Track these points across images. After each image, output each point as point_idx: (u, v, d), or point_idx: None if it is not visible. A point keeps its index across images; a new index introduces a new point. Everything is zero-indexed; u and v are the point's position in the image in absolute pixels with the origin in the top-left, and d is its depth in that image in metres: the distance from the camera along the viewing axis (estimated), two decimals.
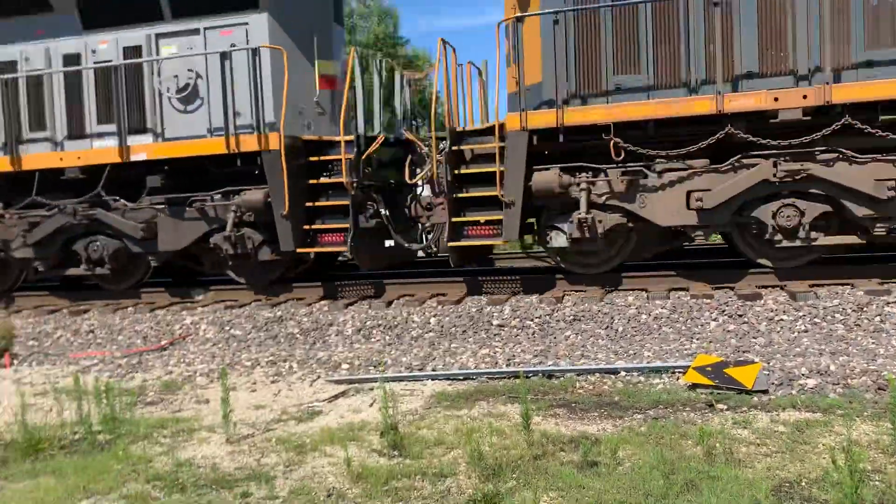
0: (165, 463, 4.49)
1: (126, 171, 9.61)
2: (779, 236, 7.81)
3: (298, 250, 9.10)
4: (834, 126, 7.39)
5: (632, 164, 7.94)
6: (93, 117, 9.64)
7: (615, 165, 7.98)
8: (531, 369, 6.11)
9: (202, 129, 9.25)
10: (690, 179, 7.88)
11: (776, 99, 7.49)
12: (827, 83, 7.31)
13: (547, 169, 8.14)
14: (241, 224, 9.25)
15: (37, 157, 9.82)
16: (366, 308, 8.57)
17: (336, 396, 5.92)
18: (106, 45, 9.68)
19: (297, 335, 8.15)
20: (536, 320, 7.62)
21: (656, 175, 7.92)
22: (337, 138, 8.95)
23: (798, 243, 7.77)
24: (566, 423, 4.81)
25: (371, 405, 5.55)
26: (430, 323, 7.94)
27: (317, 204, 9.21)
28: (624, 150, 7.81)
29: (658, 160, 7.89)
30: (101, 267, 9.83)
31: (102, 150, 9.56)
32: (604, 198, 8.05)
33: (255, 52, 8.92)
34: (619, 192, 8.03)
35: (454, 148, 8.50)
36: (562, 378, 5.89)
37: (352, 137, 8.88)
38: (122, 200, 9.56)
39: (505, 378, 6.05)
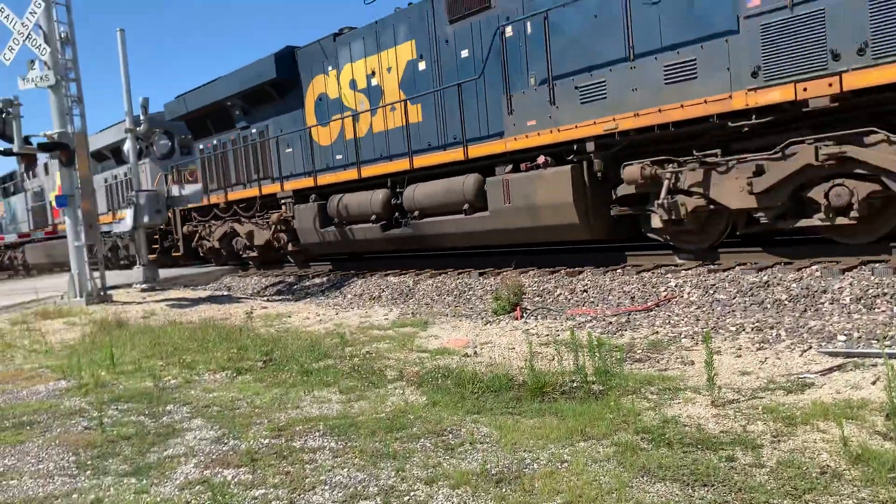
0: (652, 418, 4.73)
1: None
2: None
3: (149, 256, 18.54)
4: (232, 209, 17.87)
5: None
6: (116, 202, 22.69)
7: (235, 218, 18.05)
8: None
9: None
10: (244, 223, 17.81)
11: (218, 197, 18.10)
12: (226, 191, 17.89)
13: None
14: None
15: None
16: (867, 274, 7.64)
17: (830, 369, 5.45)
18: (118, 173, 22.94)
19: (786, 302, 7.69)
20: None
21: (247, 221, 17.57)
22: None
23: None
24: None
25: (874, 383, 4.98)
26: None
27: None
28: (226, 211, 18.28)
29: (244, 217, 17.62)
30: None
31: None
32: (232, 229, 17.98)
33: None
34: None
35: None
36: None
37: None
38: None
39: None
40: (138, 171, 16.48)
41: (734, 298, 8.17)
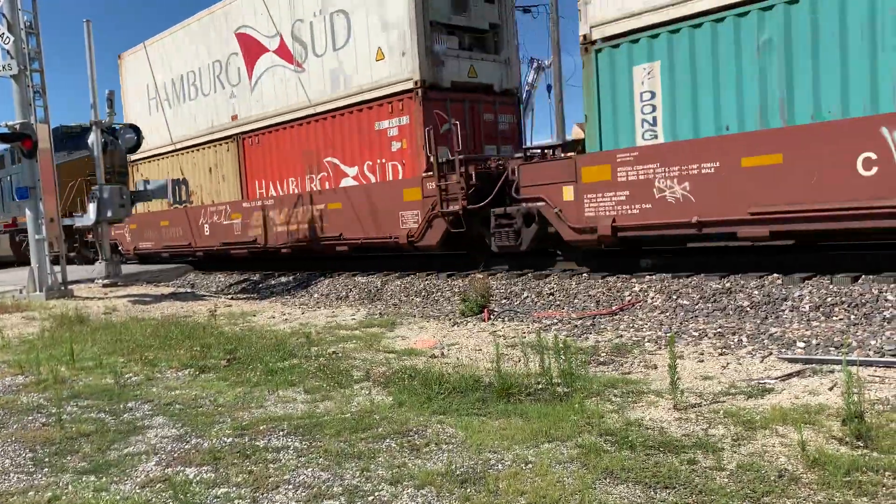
0: (616, 420, 4.78)
1: None
2: None
3: None
4: None
5: None
6: None
7: None
8: None
9: None
10: None
11: None
12: None
13: None
14: None
15: None
16: (826, 283, 7.82)
17: (790, 375, 5.57)
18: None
19: (747, 308, 7.83)
20: None
21: None
22: None
23: None
24: None
25: (831, 389, 5.10)
26: None
27: None
28: None
29: None
30: None
31: None
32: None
33: None
34: None
35: None
36: None
37: None
38: None
39: None
40: (102, 164, 16.18)
41: (697, 304, 8.30)
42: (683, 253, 10.19)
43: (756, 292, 8.09)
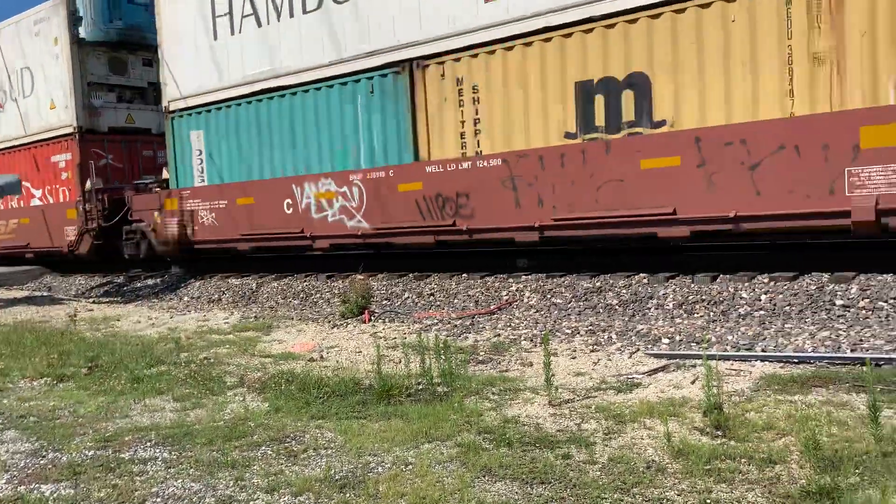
0: (494, 418, 4.86)
1: None
2: None
3: None
4: None
5: None
6: None
7: None
8: (883, 356, 5.42)
9: None
10: None
11: None
12: None
13: None
14: None
15: None
16: (688, 282, 8.29)
17: (656, 370, 5.85)
18: None
19: (616, 306, 8.18)
20: (892, 301, 6.72)
21: None
22: None
23: None
24: None
25: (693, 382, 5.40)
26: (760, 300, 7.43)
27: None
28: None
29: None
30: None
31: None
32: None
33: None
34: None
35: None
36: None
37: None
38: None
39: (849, 364, 5.45)
40: None
41: (570, 303, 8.59)
42: (554, 253, 10.51)
43: (624, 291, 8.46)
